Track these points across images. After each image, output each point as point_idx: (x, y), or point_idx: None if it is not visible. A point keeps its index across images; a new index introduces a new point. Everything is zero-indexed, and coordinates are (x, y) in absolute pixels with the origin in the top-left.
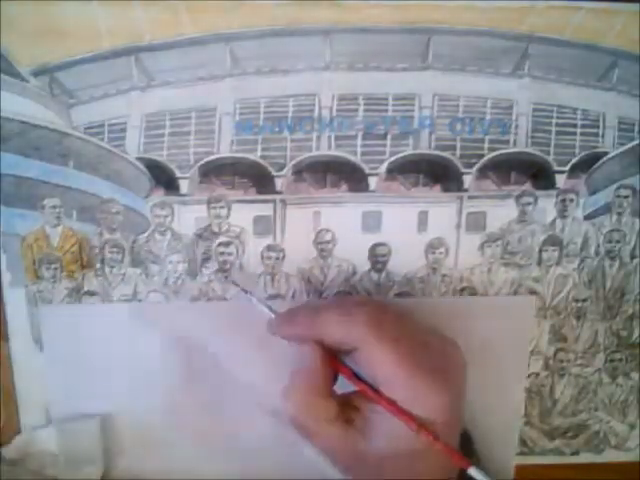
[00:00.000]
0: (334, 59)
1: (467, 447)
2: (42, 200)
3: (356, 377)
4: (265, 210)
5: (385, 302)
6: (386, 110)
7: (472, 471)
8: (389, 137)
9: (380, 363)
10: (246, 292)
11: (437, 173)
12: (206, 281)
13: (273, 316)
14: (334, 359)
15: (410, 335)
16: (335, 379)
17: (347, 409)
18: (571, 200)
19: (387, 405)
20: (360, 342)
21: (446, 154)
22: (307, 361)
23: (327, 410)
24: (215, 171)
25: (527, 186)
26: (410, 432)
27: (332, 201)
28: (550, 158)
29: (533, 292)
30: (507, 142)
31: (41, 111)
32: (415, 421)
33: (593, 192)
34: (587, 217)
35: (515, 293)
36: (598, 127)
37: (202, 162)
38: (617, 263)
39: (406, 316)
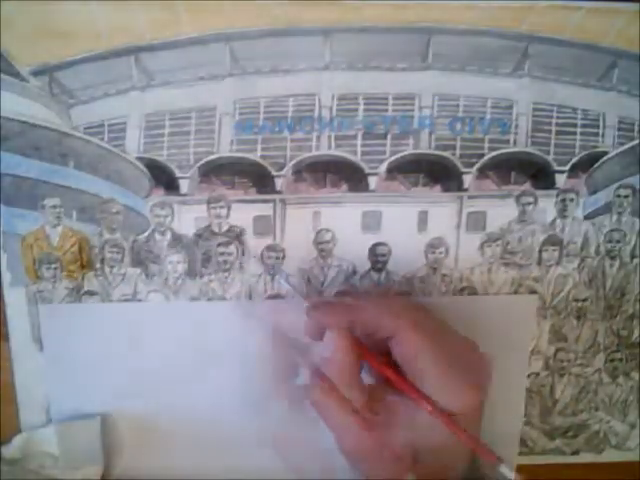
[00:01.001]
0: (334, 59)
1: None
2: (42, 200)
3: (384, 365)
4: (265, 210)
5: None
6: (386, 110)
7: (503, 469)
8: (389, 137)
9: (414, 354)
10: (281, 275)
11: (437, 173)
12: (206, 281)
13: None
14: (362, 348)
15: (445, 333)
16: (360, 369)
17: (370, 401)
18: (571, 200)
19: (415, 394)
20: (397, 330)
21: (446, 154)
22: (334, 350)
23: (353, 400)
24: (215, 171)
25: (527, 186)
26: (434, 427)
27: (332, 201)
28: (550, 158)
29: (533, 292)
30: (507, 142)
31: (41, 111)
32: (444, 413)
33: (593, 192)
34: (587, 217)
35: (515, 293)
36: (598, 127)
37: (202, 162)
38: (617, 263)
39: (439, 317)
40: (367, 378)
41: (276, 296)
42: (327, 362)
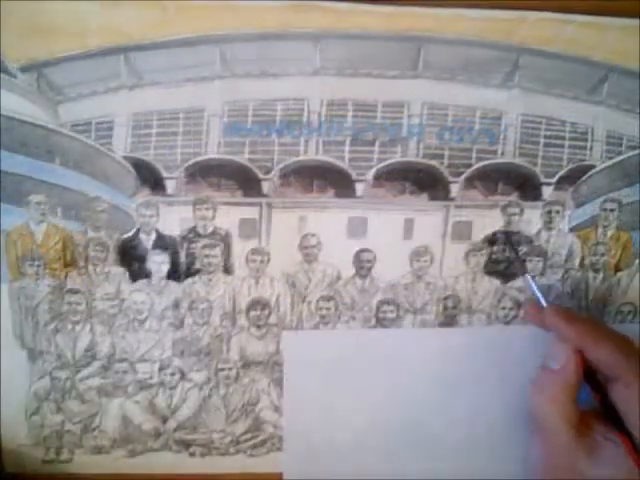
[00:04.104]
0: (324, 64)
1: None
2: (27, 196)
3: (602, 399)
4: (251, 213)
5: None
6: (375, 117)
7: None
8: (377, 144)
9: (636, 403)
10: (524, 273)
11: (424, 181)
12: (190, 283)
13: (545, 304)
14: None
15: None
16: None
17: (582, 425)
18: (557, 212)
19: (625, 440)
20: (626, 374)
21: (434, 162)
22: (564, 362)
23: (570, 413)
24: (202, 172)
25: (514, 197)
26: (634, 472)
27: (318, 206)
28: (537, 169)
29: (517, 302)
30: (495, 152)
31: (28, 107)
32: None
33: (579, 205)
34: (572, 229)
35: (499, 302)
36: (586, 140)
37: (189, 163)
38: (601, 275)
39: None
40: None
41: (259, 300)
42: (553, 372)
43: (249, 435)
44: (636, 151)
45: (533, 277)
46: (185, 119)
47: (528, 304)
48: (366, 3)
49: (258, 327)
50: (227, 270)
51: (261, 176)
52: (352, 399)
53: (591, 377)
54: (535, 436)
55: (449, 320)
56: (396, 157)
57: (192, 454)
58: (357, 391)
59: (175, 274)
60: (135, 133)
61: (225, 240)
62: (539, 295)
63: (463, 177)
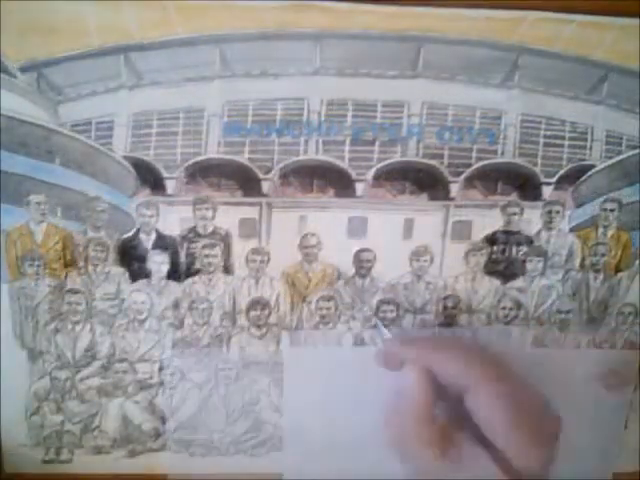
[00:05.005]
0: (324, 64)
1: None
2: (27, 196)
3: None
4: (251, 213)
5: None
6: (375, 116)
7: None
8: (377, 144)
9: (488, 411)
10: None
11: (424, 181)
12: (190, 282)
13: (389, 335)
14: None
15: (519, 390)
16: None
17: (444, 440)
18: (557, 212)
19: (486, 446)
20: (474, 385)
21: (434, 162)
22: (411, 387)
23: (426, 435)
24: (202, 172)
25: (513, 197)
26: (499, 474)
27: (318, 206)
28: (537, 169)
29: (517, 302)
30: (495, 152)
31: (28, 107)
32: (509, 467)
33: (579, 205)
34: (573, 229)
35: (499, 302)
36: (586, 140)
37: (189, 163)
38: (601, 276)
39: (516, 373)
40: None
41: (259, 300)
42: (404, 396)
43: (249, 435)
44: (636, 151)
45: (382, 321)
46: (185, 119)
47: (383, 355)
48: (366, 3)
49: (258, 327)
50: (227, 270)
51: (261, 176)
52: (352, 399)
53: (444, 392)
54: (405, 465)
55: (449, 320)
56: (396, 157)
57: (192, 454)
58: (357, 391)
59: (175, 274)
60: (135, 133)
61: (225, 240)
62: (382, 329)
63: (463, 177)
